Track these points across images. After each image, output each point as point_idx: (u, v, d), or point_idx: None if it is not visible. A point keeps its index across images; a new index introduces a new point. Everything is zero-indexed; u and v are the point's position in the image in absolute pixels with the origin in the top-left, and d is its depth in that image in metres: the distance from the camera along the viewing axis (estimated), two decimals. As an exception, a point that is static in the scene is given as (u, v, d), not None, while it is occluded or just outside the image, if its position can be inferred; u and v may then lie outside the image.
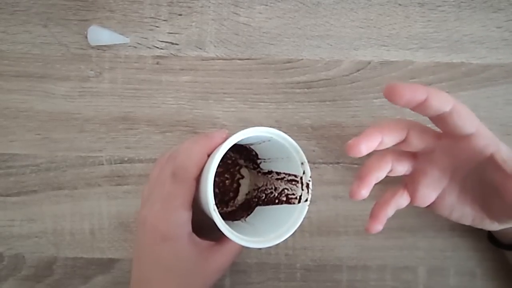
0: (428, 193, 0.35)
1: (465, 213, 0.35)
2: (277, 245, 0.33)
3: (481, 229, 0.41)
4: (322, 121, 0.43)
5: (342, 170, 0.43)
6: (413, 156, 0.36)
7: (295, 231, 0.33)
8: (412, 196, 0.36)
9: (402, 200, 0.36)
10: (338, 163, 0.43)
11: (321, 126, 0.43)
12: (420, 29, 0.43)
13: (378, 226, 0.35)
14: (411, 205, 0.36)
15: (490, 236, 0.40)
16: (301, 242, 0.42)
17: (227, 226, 0.32)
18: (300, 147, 0.34)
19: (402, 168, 0.35)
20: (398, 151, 0.36)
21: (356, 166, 0.42)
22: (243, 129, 0.32)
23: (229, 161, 0.43)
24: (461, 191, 0.35)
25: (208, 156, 0.34)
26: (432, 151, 0.34)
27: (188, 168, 0.33)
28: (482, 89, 0.43)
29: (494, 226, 0.36)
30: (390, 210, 0.35)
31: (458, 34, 0.43)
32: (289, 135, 0.33)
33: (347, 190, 0.42)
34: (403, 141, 0.34)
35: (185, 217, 0.34)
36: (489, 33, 0.43)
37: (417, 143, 0.34)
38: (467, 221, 0.36)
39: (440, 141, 0.34)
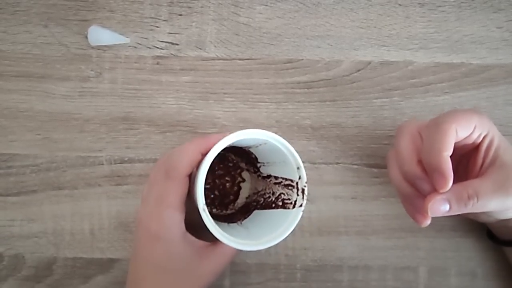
0: None
1: None
2: (276, 245, 0.33)
3: (481, 230, 0.41)
4: (322, 121, 0.43)
5: (342, 170, 0.42)
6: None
7: (288, 235, 0.33)
8: None
9: None
10: (338, 163, 0.43)
11: (321, 126, 0.43)
12: (420, 29, 0.43)
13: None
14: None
15: (489, 233, 0.40)
16: (301, 242, 0.42)
17: (216, 227, 0.31)
18: (297, 151, 0.33)
19: None
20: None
21: (356, 166, 0.42)
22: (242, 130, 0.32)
23: (230, 164, 0.43)
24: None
25: (203, 156, 0.34)
26: None
27: (179, 166, 0.33)
28: (482, 89, 0.43)
29: (490, 219, 0.35)
30: None
31: (458, 34, 0.43)
32: (287, 138, 0.33)
33: (347, 190, 0.42)
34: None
35: (176, 215, 0.33)
36: (490, 33, 0.43)
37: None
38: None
39: None
